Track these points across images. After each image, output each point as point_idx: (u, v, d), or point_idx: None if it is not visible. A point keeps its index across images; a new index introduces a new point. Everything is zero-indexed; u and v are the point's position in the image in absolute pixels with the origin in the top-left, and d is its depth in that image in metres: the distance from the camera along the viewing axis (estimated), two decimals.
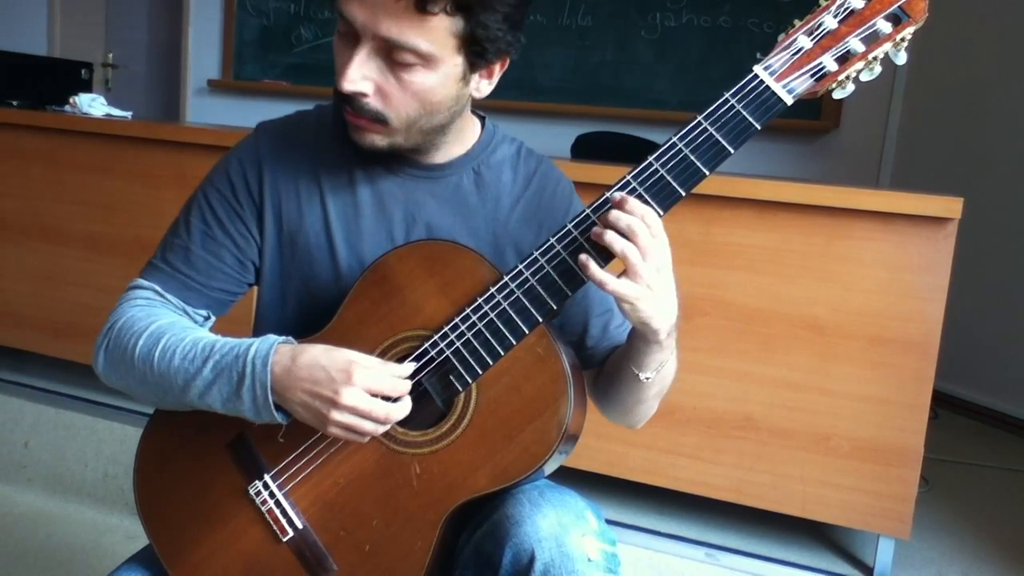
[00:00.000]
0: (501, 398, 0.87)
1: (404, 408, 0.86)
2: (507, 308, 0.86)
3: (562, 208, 1.02)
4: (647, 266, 0.82)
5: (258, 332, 1.00)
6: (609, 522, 0.92)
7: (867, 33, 0.82)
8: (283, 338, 0.88)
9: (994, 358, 3.12)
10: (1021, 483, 2.56)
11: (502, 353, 0.86)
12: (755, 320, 1.80)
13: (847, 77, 0.84)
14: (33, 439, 2.31)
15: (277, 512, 0.91)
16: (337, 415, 0.83)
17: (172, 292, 0.97)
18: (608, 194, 0.85)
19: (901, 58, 0.84)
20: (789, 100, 0.83)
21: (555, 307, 0.86)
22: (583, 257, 0.84)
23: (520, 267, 0.87)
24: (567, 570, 0.83)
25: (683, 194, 0.84)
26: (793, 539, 1.94)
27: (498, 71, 0.93)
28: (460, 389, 0.88)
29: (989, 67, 3.24)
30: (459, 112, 0.94)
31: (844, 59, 0.83)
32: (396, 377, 0.86)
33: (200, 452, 0.95)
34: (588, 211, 0.86)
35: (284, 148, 0.99)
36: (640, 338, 0.90)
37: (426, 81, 0.87)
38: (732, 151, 0.83)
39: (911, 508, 1.74)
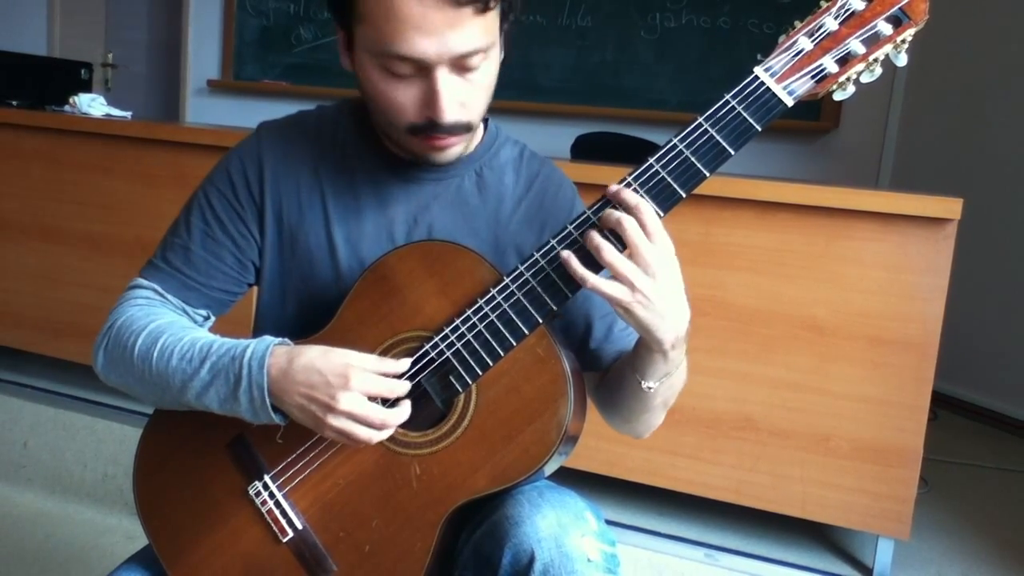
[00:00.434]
0: (501, 399, 0.87)
1: (403, 412, 0.86)
2: (507, 309, 0.86)
3: (564, 211, 1.01)
4: (631, 266, 0.81)
5: (258, 332, 1.00)
6: (609, 522, 0.92)
7: (868, 35, 0.82)
8: (279, 340, 0.88)
9: (994, 358, 3.12)
10: (1021, 483, 2.56)
11: (502, 354, 0.86)
12: (755, 320, 1.80)
13: (848, 79, 0.84)
14: (32, 439, 2.31)
15: (277, 512, 0.91)
16: (333, 420, 0.83)
17: (172, 292, 0.97)
18: (608, 189, 0.85)
19: (902, 60, 0.84)
20: (790, 102, 0.83)
21: (555, 308, 0.86)
22: (565, 253, 0.83)
23: (520, 268, 0.87)
24: (567, 571, 0.82)
25: (683, 195, 0.84)
26: (793, 539, 1.94)
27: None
28: (460, 390, 0.88)
29: (989, 68, 3.24)
30: None
31: (845, 61, 0.83)
32: (394, 378, 0.86)
33: (200, 452, 0.95)
34: (588, 212, 0.86)
35: (285, 148, 0.99)
36: (644, 346, 0.89)
37: (489, 70, 0.87)
38: (732, 152, 0.83)
39: (911, 509, 1.74)
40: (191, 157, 2.22)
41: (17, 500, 2.24)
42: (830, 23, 0.83)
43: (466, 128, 0.89)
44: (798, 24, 0.84)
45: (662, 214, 0.84)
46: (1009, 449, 2.86)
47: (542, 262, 0.86)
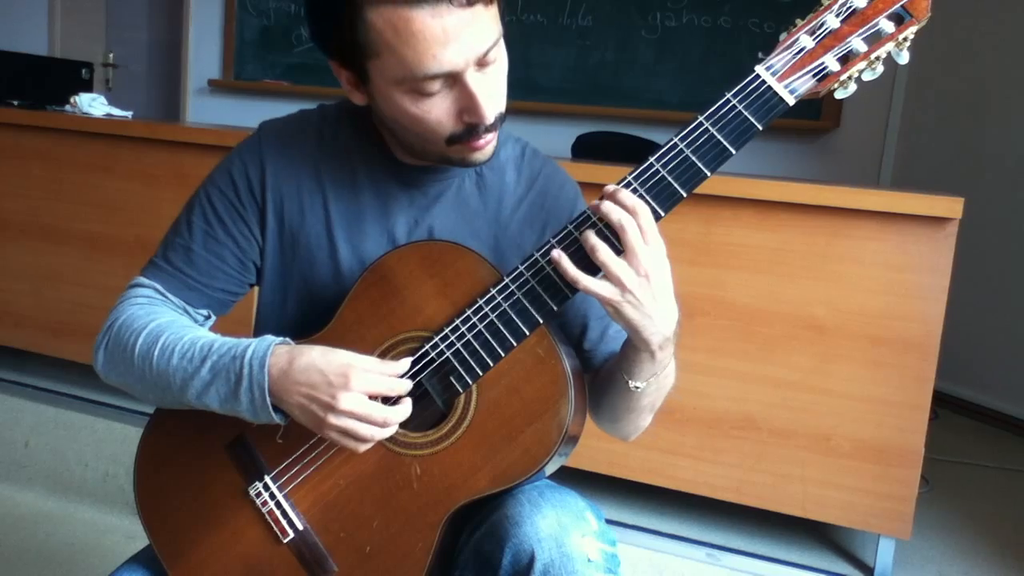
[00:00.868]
0: (501, 399, 0.87)
1: (403, 411, 0.86)
2: (507, 309, 0.86)
3: (566, 210, 1.01)
4: (623, 267, 0.81)
5: (259, 332, 1.00)
6: (609, 522, 0.92)
7: (869, 33, 0.82)
8: (280, 339, 0.88)
9: (994, 358, 3.12)
10: (1021, 483, 2.56)
11: (502, 354, 0.86)
12: (755, 320, 1.80)
13: (849, 77, 0.84)
14: (33, 439, 2.31)
15: (277, 513, 0.91)
16: (334, 419, 0.83)
17: (173, 292, 0.97)
18: (605, 189, 0.85)
19: (903, 58, 0.84)
20: (791, 100, 0.83)
21: (555, 308, 0.86)
22: (555, 253, 0.84)
23: (520, 268, 0.86)
24: (567, 570, 0.82)
25: (684, 195, 0.84)
26: (793, 539, 1.94)
27: None
28: (460, 390, 0.87)
29: (990, 67, 3.24)
30: None
31: (846, 59, 0.83)
32: (394, 377, 0.86)
33: (200, 452, 0.95)
34: (588, 212, 0.85)
35: (287, 148, 0.99)
36: (631, 346, 0.89)
37: (504, 57, 0.87)
38: (733, 152, 0.83)
39: (911, 508, 1.74)
40: (191, 157, 2.21)
41: (18, 500, 2.24)
42: (831, 21, 0.83)
43: (503, 119, 0.89)
44: (799, 22, 0.84)
45: (663, 213, 0.84)
46: (1010, 448, 2.85)
47: (542, 262, 0.86)
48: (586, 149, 3.11)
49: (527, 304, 0.86)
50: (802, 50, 0.83)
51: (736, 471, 1.83)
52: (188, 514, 0.95)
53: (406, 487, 0.88)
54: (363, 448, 0.86)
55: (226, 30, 4.45)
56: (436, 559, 0.89)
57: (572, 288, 0.85)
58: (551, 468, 0.89)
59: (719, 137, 0.83)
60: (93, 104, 2.57)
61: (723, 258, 1.81)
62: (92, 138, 2.35)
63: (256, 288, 1.03)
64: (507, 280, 0.87)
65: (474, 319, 0.87)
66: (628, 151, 2.96)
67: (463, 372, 0.87)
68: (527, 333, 0.86)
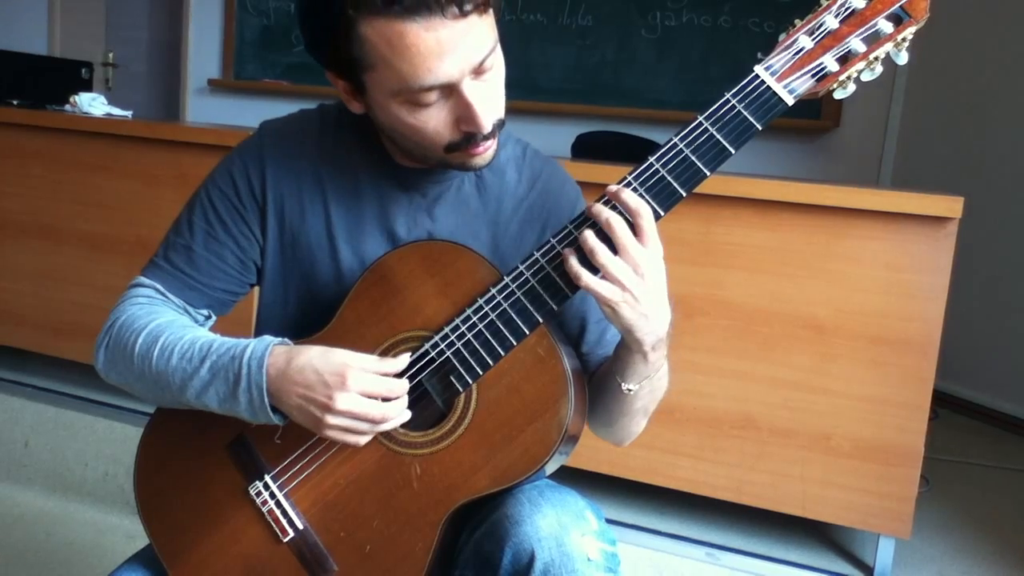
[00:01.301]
0: (501, 399, 0.87)
1: (400, 408, 0.86)
2: (507, 308, 0.86)
3: (567, 211, 1.01)
4: (622, 266, 0.81)
5: (259, 332, 1.00)
6: (609, 522, 0.92)
7: (868, 33, 0.82)
8: (279, 339, 0.88)
9: (995, 357, 3.12)
10: (1021, 483, 2.56)
11: (502, 354, 0.86)
12: (755, 320, 1.80)
13: (848, 77, 0.84)
14: (33, 439, 2.31)
15: (277, 512, 0.91)
16: (332, 419, 0.83)
17: (174, 291, 0.97)
18: (608, 189, 0.85)
19: (902, 58, 0.84)
20: (790, 100, 0.83)
21: (555, 307, 0.86)
22: (565, 251, 0.84)
23: (520, 267, 0.87)
24: (567, 570, 0.83)
25: (684, 195, 0.84)
26: (793, 539, 1.94)
27: None
28: (460, 390, 0.88)
29: (990, 67, 3.24)
30: None
31: (845, 59, 0.83)
32: (392, 378, 0.86)
33: (200, 452, 0.95)
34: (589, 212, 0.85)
35: (287, 148, 0.99)
36: (624, 347, 0.89)
37: (501, 63, 0.87)
38: (733, 151, 0.83)
39: (911, 508, 1.74)
40: (191, 157, 2.21)
41: (18, 499, 2.24)
42: (830, 21, 0.83)
43: (501, 125, 0.89)
44: (798, 23, 0.84)
45: (662, 213, 0.84)
46: (1010, 448, 2.85)
47: (542, 261, 0.86)
48: (586, 149, 3.11)
49: (527, 303, 0.86)
50: (801, 50, 0.83)
51: (736, 471, 1.83)
52: (188, 514, 0.95)
53: (406, 486, 0.88)
54: (363, 441, 0.86)
55: (226, 30, 4.45)
56: (436, 558, 0.89)
57: (572, 287, 0.85)
58: (551, 468, 0.89)
59: (719, 137, 0.83)
60: (93, 104, 2.57)
61: (723, 258, 1.81)
62: (92, 138, 2.35)
63: (256, 288, 1.03)
64: (507, 279, 0.87)
65: (474, 318, 0.87)
66: (628, 151, 2.96)
67: (463, 371, 0.87)
68: (527, 333, 0.86)
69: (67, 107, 2.58)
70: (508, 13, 3.92)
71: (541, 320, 0.86)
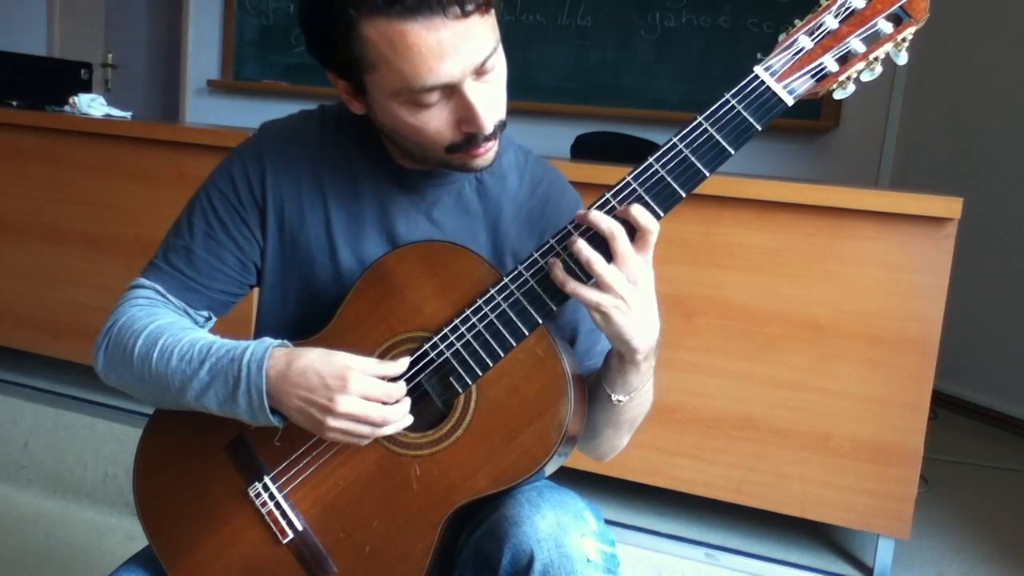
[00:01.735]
0: (501, 399, 0.87)
1: (402, 409, 0.86)
2: (507, 309, 0.86)
3: (567, 218, 1.00)
4: (615, 272, 0.81)
5: (259, 333, 1.00)
6: (609, 522, 0.92)
7: (868, 33, 0.82)
8: (278, 341, 0.88)
9: (994, 358, 3.12)
10: (1021, 483, 2.56)
11: (502, 354, 0.86)
12: (755, 320, 1.80)
13: (848, 77, 0.84)
14: (33, 439, 2.31)
15: (277, 514, 0.91)
16: (333, 422, 0.83)
17: (174, 293, 0.97)
18: (606, 195, 0.85)
19: (902, 58, 0.84)
20: (790, 101, 0.83)
21: (554, 308, 0.86)
22: (551, 259, 0.84)
23: (519, 268, 0.86)
24: (566, 571, 0.83)
25: (683, 195, 0.84)
26: (793, 539, 1.94)
27: None
28: (460, 390, 0.88)
29: (989, 67, 3.24)
30: None
31: (845, 59, 0.83)
32: (392, 382, 0.86)
33: (200, 453, 0.95)
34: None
35: (287, 149, 0.99)
36: (616, 356, 0.89)
37: (503, 64, 0.87)
38: (732, 152, 0.83)
39: (911, 508, 1.74)
40: (191, 157, 2.21)
41: (17, 500, 2.24)
42: (830, 22, 0.83)
43: (503, 127, 0.89)
44: (798, 23, 0.84)
45: (662, 214, 0.84)
46: (1009, 448, 2.85)
47: (541, 262, 0.86)
48: (585, 149, 3.11)
49: (526, 304, 0.86)
50: (801, 51, 0.83)
51: (735, 471, 1.83)
52: (188, 515, 0.95)
53: (406, 487, 0.88)
54: (364, 442, 0.86)
55: (225, 30, 4.45)
56: (436, 559, 0.89)
57: None
58: (551, 468, 0.89)
59: (718, 137, 0.83)
60: (92, 104, 2.57)
61: (723, 258, 1.81)
62: (92, 138, 2.35)
63: (256, 289, 1.03)
64: (506, 280, 0.87)
65: (473, 319, 0.87)
66: (627, 151, 2.96)
67: (462, 372, 0.87)
68: (526, 333, 0.86)
69: (66, 108, 2.58)
70: (508, 13, 3.92)
71: (540, 321, 0.86)
